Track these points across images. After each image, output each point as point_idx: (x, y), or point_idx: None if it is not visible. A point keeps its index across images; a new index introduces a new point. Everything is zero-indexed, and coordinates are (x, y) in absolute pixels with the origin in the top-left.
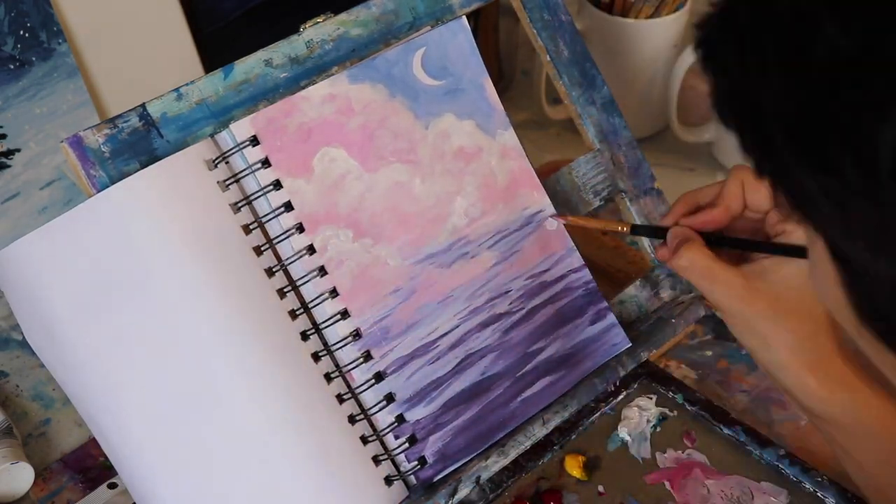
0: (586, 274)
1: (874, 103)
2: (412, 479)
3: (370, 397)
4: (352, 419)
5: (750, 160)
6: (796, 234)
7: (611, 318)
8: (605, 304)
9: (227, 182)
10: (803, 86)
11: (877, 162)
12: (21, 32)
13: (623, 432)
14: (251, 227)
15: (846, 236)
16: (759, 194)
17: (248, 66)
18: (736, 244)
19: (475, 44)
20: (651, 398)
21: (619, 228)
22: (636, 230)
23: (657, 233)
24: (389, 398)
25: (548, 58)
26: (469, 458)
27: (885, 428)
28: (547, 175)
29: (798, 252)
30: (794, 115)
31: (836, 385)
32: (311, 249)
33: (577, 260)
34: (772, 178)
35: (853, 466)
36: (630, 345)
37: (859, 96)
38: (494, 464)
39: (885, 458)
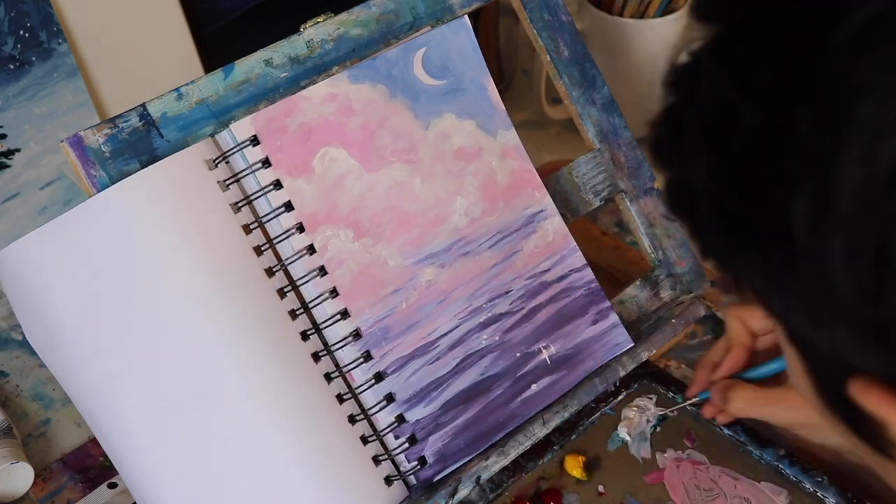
0: (588, 273)
1: (786, 176)
2: (412, 479)
3: (370, 397)
4: (352, 419)
5: (696, 249)
6: None
7: (613, 317)
8: (608, 303)
9: (228, 182)
10: (725, 166)
11: (792, 232)
12: (21, 32)
13: (623, 432)
14: (251, 226)
15: (785, 312)
16: (763, 322)
17: (249, 66)
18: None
19: (477, 43)
20: (651, 398)
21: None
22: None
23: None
24: (389, 398)
25: (548, 58)
26: (469, 458)
27: None
28: (547, 175)
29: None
30: (719, 196)
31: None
32: (311, 249)
33: (579, 259)
34: (716, 263)
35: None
36: (633, 345)
37: (772, 171)
38: (494, 464)
39: None
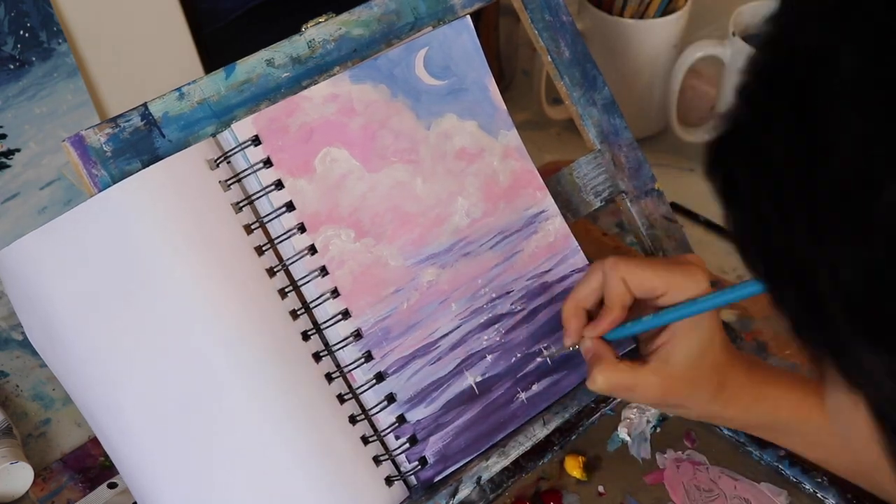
0: None
1: None
2: (413, 479)
3: (371, 397)
4: (352, 419)
5: (784, 317)
6: (673, 294)
7: None
8: None
9: (229, 182)
10: (867, 255)
11: None
12: (21, 32)
13: (623, 433)
14: (252, 227)
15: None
16: (645, 285)
17: (250, 66)
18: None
19: (479, 43)
20: None
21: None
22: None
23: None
24: (390, 398)
25: (549, 58)
26: (470, 459)
27: (799, 416)
28: (547, 175)
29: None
30: (857, 288)
31: (749, 404)
32: (312, 249)
33: (581, 259)
34: (818, 346)
35: (811, 459)
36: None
37: None
38: (495, 464)
39: (815, 439)
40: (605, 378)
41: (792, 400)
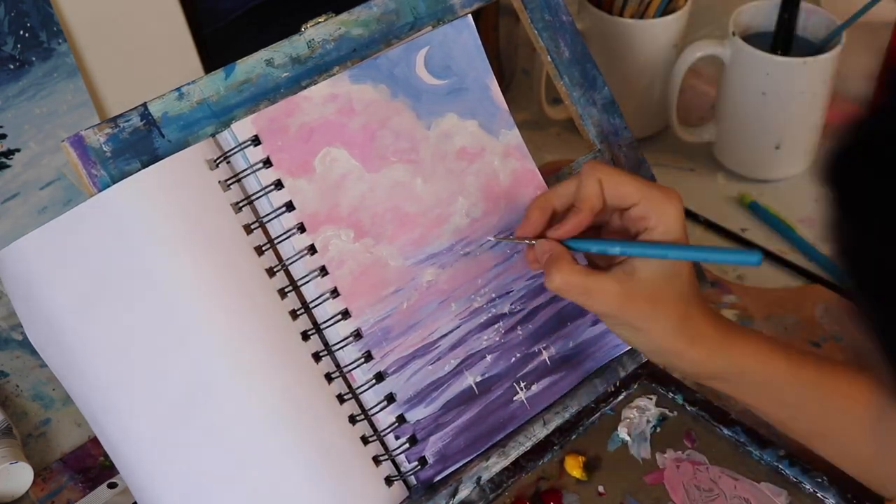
0: None
1: None
2: (412, 479)
3: (371, 397)
4: (352, 419)
5: (876, 334)
6: (657, 230)
7: None
8: None
9: (229, 182)
10: None
11: None
12: (21, 32)
13: (623, 432)
14: (252, 226)
15: None
16: (620, 190)
17: (250, 66)
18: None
19: (480, 43)
20: (651, 398)
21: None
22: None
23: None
24: (390, 398)
25: (549, 58)
26: (469, 459)
27: (766, 371)
28: (547, 175)
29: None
30: None
31: (714, 348)
32: (312, 249)
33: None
34: None
35: (768, 419)
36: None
37: None
38: (495, 464)
39: (777, 397)
40: (562, 277)
41: (759, 354)
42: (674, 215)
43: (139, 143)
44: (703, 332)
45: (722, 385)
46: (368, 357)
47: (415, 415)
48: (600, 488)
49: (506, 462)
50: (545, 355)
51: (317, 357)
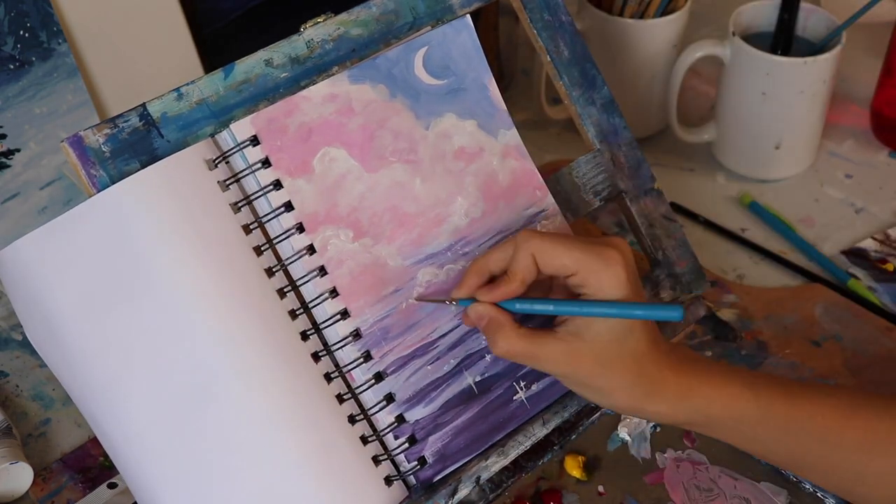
0: None
1: None
2: (412, 479)
3: (370, 397)
4: (351, 419)
5: None
6: (597, 296)
7: None
8: None
9: (228, 182)
10: None
11: None
12: (21, 32)
13: (623, 432)
14: (251, 227)
15: None
16: (555, 262)
17: (249, 66)
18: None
19: (479, 43)
20: None
21: (447, 302)
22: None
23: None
24: (389, 398)
25: (548, 58)
26: (469, 459)
27: (733, 415)
28: (547, 175)
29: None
30: None
31: (675, 401)
32: (311, 249)
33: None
34: None
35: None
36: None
37: None
38: (494, 464)
39: (751, 436)
40: (506, 342)
41: (725, 396)
42: (612, 282)
43: (138, 144)
44: (662, 387)
45: (695, 428)
46: (367, 357)
47: (414, 414)
48: (600, 488)
49: (505, 462)
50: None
51: (316, 357)
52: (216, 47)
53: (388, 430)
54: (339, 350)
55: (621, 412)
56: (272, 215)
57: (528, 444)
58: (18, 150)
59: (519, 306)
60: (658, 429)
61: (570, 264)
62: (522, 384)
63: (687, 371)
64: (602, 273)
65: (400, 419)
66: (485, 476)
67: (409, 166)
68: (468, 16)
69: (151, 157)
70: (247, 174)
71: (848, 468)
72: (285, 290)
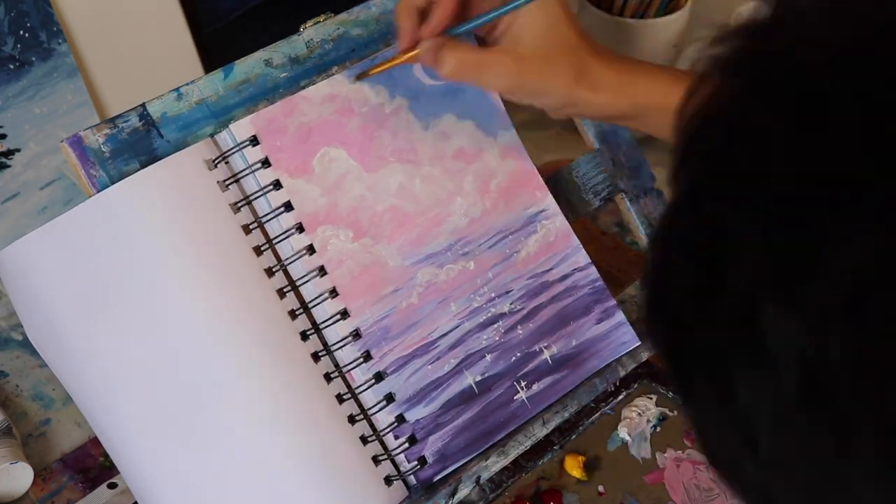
0: (593, 272)
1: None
2: (412, 479)
3: (370, 397)
4: (351, 419)
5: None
6: None
7: (619, 316)
8: (613, 302)
9: (227, 182)
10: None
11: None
12: (21, 32)
13: (623, 432)
14: (251, 227)
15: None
16: None
17: (249, 66)
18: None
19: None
20: (651, 398)
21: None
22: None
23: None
24: (389, 398)
25: None
26: (469, 458)
27: (669, 103)
28: (547, 175)
29: None
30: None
31: (617, 91)
32: (310, 249)
33: (583, 258)
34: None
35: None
36: (639, 343)
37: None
38: (494, 464)
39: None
40: (455, 56)
41: (661, 85)
42: None
43: (138, 144)
44: (604, 78)
45: (629, 123)
46: (367, 357)
47: (414, 414)
48: (600, 488)
49: (505, 461)
50: (546, 354)
51: (316, 357)
52: (216, 47)
53: (388, 429)
54: (339, 350)
55: (566, 109)
56: (272, 215)
57: (528, 444)
58: (18, 150)
59: (461, 30)
60: (658, 429)
61: None
62: (523, 384)
63: (627, 65)
64: None
65: (400, 419)
66: (485, 476)
67: (409, 166)
68: None
69: (151, 158)
70: (246, 174)
71: None
72: (285, 290)
